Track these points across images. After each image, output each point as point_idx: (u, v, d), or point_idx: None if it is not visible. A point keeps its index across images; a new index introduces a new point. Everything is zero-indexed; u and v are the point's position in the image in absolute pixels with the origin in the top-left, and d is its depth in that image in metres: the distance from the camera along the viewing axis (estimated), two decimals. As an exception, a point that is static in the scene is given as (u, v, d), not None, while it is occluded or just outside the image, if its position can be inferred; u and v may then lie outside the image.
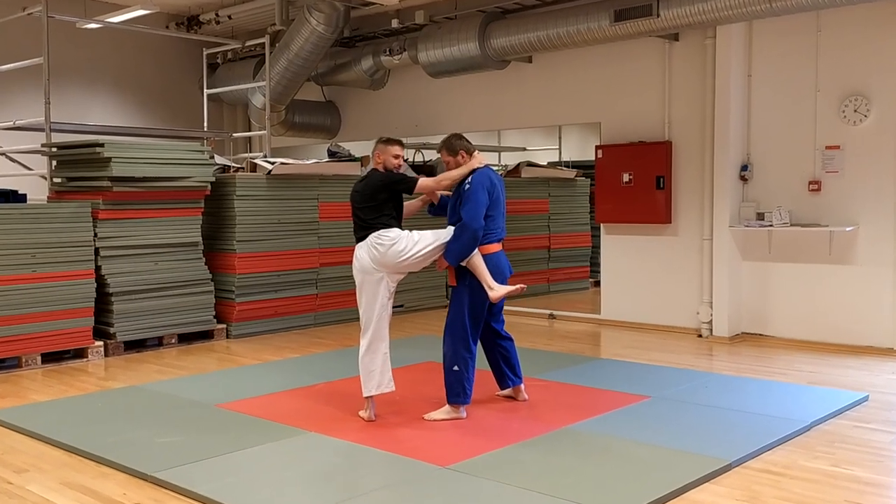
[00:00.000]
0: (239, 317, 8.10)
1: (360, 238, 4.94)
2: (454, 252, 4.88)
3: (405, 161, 9.54)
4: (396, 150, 5.06)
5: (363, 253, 4.90)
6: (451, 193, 5.33)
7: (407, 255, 4.86)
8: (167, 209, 7.62)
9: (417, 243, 4.89)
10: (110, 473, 4.22)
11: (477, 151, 5.13)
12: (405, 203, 5.12)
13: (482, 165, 5.06)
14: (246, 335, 8.12)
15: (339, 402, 5.43)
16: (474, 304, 4.96)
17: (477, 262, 4.91)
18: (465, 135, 5.26)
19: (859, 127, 7.21)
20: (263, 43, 9.69)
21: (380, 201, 4.90)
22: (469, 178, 4.97)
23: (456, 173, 5.05)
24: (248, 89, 10.37)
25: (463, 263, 4.91)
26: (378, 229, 4.88)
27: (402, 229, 4.96)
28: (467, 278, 4.95)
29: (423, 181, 5.05)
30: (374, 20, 9.94)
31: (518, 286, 5.00)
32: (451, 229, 4.94)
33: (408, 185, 4.98)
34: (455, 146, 5.09)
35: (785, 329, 7.64)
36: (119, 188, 7.27)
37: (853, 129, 7.25)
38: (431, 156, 11.08)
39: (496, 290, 4.91)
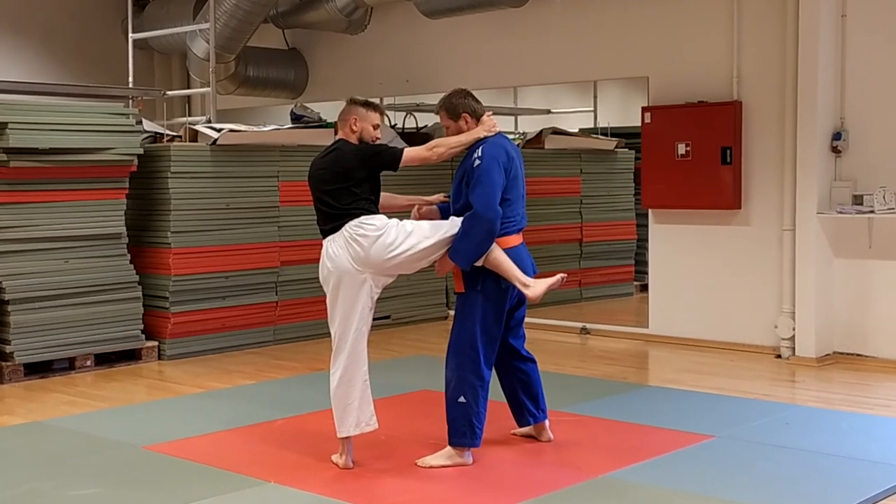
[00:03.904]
0: (175, 331, 8.08)
1: (331, 230, 4.90)
2: (465, 251, 4.84)
3: (391, 127, 9.56)
4: (377, 117, 5.05)
5: (338, 248, 4.86)
6: (446, 198, 5.28)
7: (398, 251, 4.82)
8: (81, 190, 7.59)
9: (411, 235, 4.85)
10: (6, 537, 4.21)
11: (488, 114, 5.10)
12: (383, 195, 5.07)
13: (493, 133, 5.04)
14: (184, 355, 8.11)
15: (307, 443, 5.41)
16: (488, 316, 4.94)
17: (498, 256, 4.87)
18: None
19: None
20: (207, -28, 9.65)
21: (356, 181, 4.87)
22: (479, 152, 4.93)
23: (455, 140, 5.02)
24: (186, 34, 10.33)
25: (478, 263, 4.88)
26: (356, 216, 4.84)
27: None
28: (480, 282, 4.92)
29: (411, 151, 5.00)
30: (352, -57, 9.92)
31: (558, 276, 4.96)
32: (455, 220, 4.92)
33: (392, 157, 4.92)
34: (456, 106, 5.06)
35: (890, 348, 7.62)
36: (17, 163, 7.24)
37: (980, 86, 7.24)
38: (427, 120, 11.06)
39: (534, 287, 4.88)
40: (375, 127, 5.02)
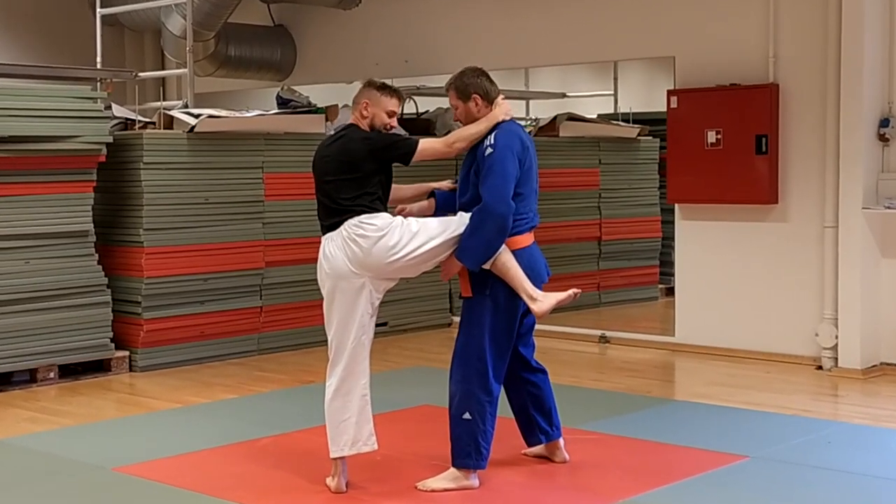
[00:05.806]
0: (148, 340, 8.10)
1: (331, 227, 4.91)
2: (473, 250, 4.84)
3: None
4: (394, 104, 5.04)
5: (335, 249, 4.87)
6: (454, 184, 5.28)
7: (402, 254, 4.83)
8: (43, 183, 7.60)
9: (417, 235, 4.86)
10: (-39, 568, 4.22)
11: (501, 97, 5.10)
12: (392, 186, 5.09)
13: (508, 118, 5.04)
14: (158, 366, 8.12)
15: (295, 464, 5.42)
16: (499, 324, 4.94)
17: (507, 261, 4.88)
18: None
19: None
20: (183, -59, 9.66)
21: (364, 174, 4.87)
22: (491, 139, 4.92)
23: (473, 130, 5.01)
24: (160, 8, 10.34)
25: (486, 266, 4.89)
26: (359, 214, 4.84)
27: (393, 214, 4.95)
28: (489, 286, 4.92)
29: (427, 145, 5.02)
30: None
31: (570, 292, 4.97)
32: (465, 216, 4.92)
33: (407, 149, 4.94)
34: (468, 86, 5.04)
35: (944, 358, 7.65)
36: (-27, 153, 7.27)
37: None
38: (428, 104, 11.06)
39: (542, 301, 4.90)
40: (391, 115, 5.01)
